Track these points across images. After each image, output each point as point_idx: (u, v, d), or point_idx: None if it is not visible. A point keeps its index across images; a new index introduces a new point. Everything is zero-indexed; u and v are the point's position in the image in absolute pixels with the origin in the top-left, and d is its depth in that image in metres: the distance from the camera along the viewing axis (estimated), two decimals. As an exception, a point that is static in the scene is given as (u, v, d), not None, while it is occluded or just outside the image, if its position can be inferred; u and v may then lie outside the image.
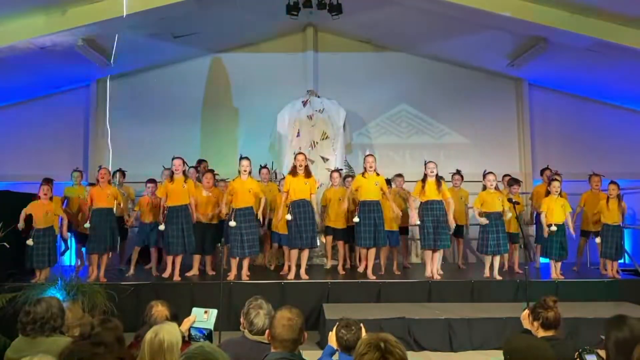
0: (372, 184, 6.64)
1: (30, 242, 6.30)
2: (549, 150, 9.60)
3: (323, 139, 8.46)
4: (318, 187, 7.08)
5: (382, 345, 1.91)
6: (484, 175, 6.82)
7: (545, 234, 6.73)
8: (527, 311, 3.26)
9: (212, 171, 7.31)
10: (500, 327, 5.15)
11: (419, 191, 6.65)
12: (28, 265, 6.34)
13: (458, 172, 7.89)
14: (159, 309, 3.05)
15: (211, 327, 3.12)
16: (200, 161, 8.13)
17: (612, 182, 7.05)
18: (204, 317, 3.13)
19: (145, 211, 7.21)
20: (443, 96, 9.75)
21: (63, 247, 7.74)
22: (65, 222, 6.79)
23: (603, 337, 2.51)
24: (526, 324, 3.24)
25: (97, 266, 6.51)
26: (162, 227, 6.49)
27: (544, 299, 3.08)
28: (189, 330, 3.13)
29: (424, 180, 6.67)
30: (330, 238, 7.28)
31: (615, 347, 2.38)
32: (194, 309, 3.22)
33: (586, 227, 7.52)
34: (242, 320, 2.93)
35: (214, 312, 3.17)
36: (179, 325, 3.06)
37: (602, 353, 2.56)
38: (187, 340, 3.06)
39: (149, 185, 7.25)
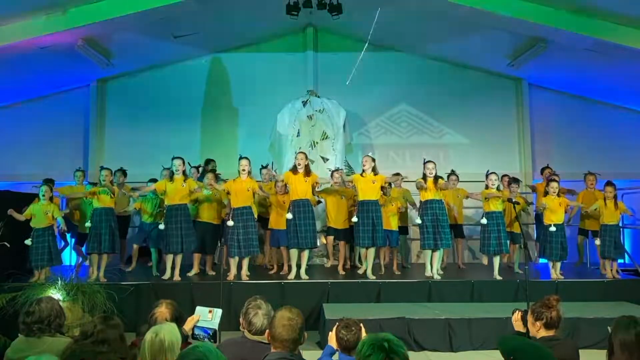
0: (370, 183, 6.64)
1: (28, 241, 6.31)
2: (549, 150, 9.60)
3: (323, 139, 8.45)
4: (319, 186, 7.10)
5: (386, 346, 1.91)
6: (487, 175, 6.82)
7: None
8: (518, 314, 3.25)
9: (213, 171, 7.31)
10: (500, 327, 5.14)
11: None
12: (28, 265, 6.35)
13: (453, 172, 7.89)
14: (161, 310, 3.04)
15: (216, 327, 3.10)
16: (208, 161, 8.16)
17: (609, 183, 7.05)
18: (208, 317, 3.12)
19: (146, 211, 7.20)
20: (443, 96, 9.75)
21: (62, 244, 7.75)
22: (63, 223, 6.78)
23: (610, 328, 2.51)
24: (518, 326, 3.22)
25: (97, 266, 6.51)
26: (162, 226, 6.47)
27: (547, 298, 3.08)
28: (193, 329, 3.11)
29: (423, 179, 6.66)
30: (331, 238, 7.28)
31: (620, 348, 2.39)
32: (198, 308, 3.20)
33: (583, 226, 7.54)
34: (241, 320, 2.93)
35: (218, 312, 3.15)
36: (183, 324, 3.06)
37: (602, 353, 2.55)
38: (191, 339, 3.05)
39: (150, 184, 7.23)
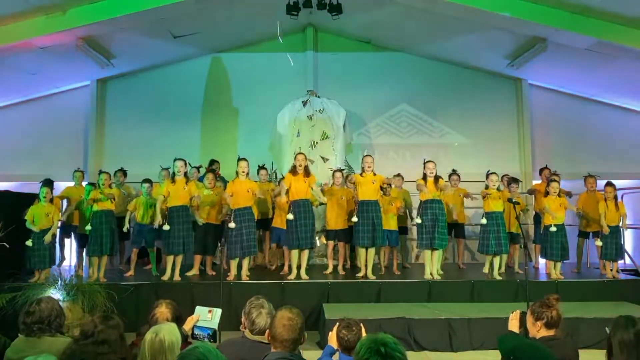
0: (370, 183, 6.64)
1: (29, 243, 6.31)
2: (549, 150, 9.61)
3: (323, 139, 8.45)
4: (320, 185, 7.11)
5: (382, 350, 1.91)
6: (487, 176, 6.82)
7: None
8: (516, 313, 3.25)
9: (213, 171, 7.32)
10: (500, 327, 5.12)
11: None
12: (28, 266, 6.35)
13: (454, 171, 7.90)
14: (162, 310, 3.04)
15: (215, 326, 3.11)
16: (212, 161, 8.16)
17: (609, 184, 7.05)
18: (207, 317, 3.13)
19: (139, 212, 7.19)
20: (443, 96, 9.75)
21: (60, 258, 7.69)
22: (56, 231, 6.77)
23: (608, 329, 2.51)
24: (513, 325, 3.22)
25: (97, 267, 6.51)
26: (166, 227, 6.42)
27: (547, 297, 3.08)
28: (193, 329, 3.12)
29: (424, 179, 6.67)
30: (331, 243, 7.27)
31: (619, 347, 2.38)
32: (198, 308, 3.20)
33: (584, 228, 7.54)
34: (243, 319, 2.92)
35: (218, 312, 3.16)
36: (182, 324, 3.06)
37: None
38: (190, 339, 3.05)
39: (144, 185, 7.22)
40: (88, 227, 6.52)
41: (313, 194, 6.73)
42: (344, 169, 7.81)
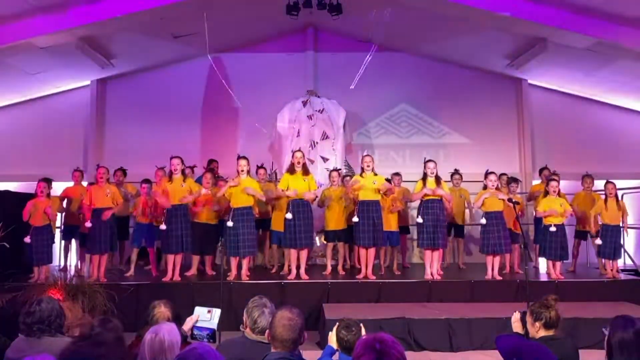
0: (370, 183, 6.64)
1: (27, 239, 6.31)
2: (549, 150, 9.60)
3: (323, 139, 8.45)
4: (318, 187, 7.10)
5: (377, 347, 1.91)
6: (486, 175, 6.82)
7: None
8: (518, 314, 3.25)
9: (212, 171, 7.31)
10: (500, 327, 5.14)
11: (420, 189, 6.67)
12: (26, 262, 6.36)
13: (457, 171, 7.90)
14: (161, 310, 3.04)
15: (214, 326, 3.11)
16: (210, 161, 8.16)
17: (609, 182, 7.05)
18: (207, 317, 3.13)
19: (141, 212, 7.19)
20: (443, 96, 9.75)
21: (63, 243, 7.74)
22: (55, 220, 6.78)
23: (605, 330, 2.50)
24: (516, 327, 3.22)
25: (97, 266, 6.50)
26: (162, 226, 6.47)
27: (545, 298, 3.08)
28: (192, 329, 3.12)
29: (424, 179, 6.67)
30: (331, 244, 7.25)
31: (619, 348, 2.38)
32: (197, 308, 3.21)
33: (582, 228, 7.53)
34: (244, 318, 2.91)
35: (217, 312, 3.17)
36: (182, 324, 3.06)
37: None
38: (189, 339, 3.05)
39: (143, 185, 7.21)
40: (88, 224, 6.51)
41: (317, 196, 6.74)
42: (340, 169, 7.79)
